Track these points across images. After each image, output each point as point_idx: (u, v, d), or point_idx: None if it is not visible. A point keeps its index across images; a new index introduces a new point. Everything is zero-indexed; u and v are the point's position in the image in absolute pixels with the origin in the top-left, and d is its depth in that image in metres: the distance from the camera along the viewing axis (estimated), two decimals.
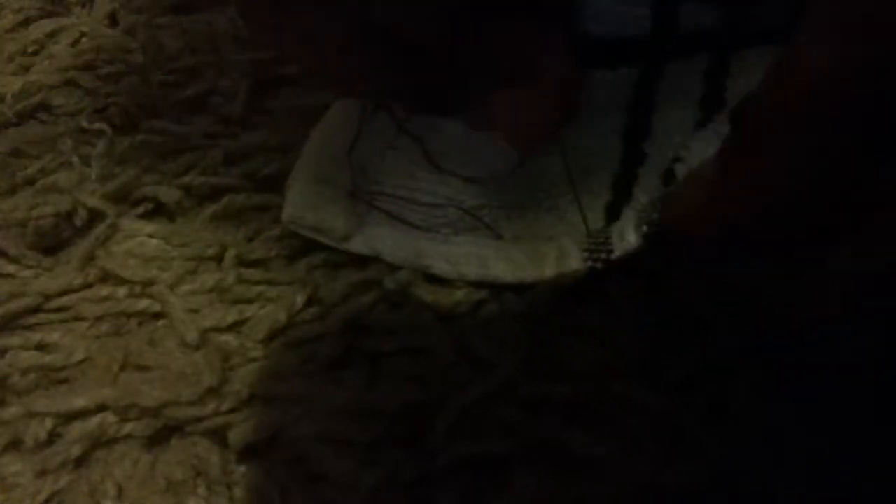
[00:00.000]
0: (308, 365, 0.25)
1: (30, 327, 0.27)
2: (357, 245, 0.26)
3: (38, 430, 0.24)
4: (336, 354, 0.25)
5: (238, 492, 0.23)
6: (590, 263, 0.24)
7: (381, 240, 0.26)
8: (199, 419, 0.24)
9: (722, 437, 0.22)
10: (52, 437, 0.24)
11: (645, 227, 0.23)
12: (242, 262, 0.28)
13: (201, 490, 0.23)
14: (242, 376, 0.25)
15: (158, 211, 0.30)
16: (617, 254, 0.24)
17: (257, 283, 0.27)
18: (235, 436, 0.23)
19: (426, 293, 0.26)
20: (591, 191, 0.26)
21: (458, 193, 0.26)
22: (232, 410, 0.24)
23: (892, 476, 0.20)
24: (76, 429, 0.24)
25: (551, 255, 0.25)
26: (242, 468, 0.23)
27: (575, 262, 0.24)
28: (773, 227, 0.18)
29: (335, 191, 0.27)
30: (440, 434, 0.22)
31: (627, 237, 0.23)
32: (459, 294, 0.26)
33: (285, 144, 0.31)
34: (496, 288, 0.26)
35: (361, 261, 0.27)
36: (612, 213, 0.26)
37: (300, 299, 0.26)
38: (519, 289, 0.25)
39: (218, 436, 0.24)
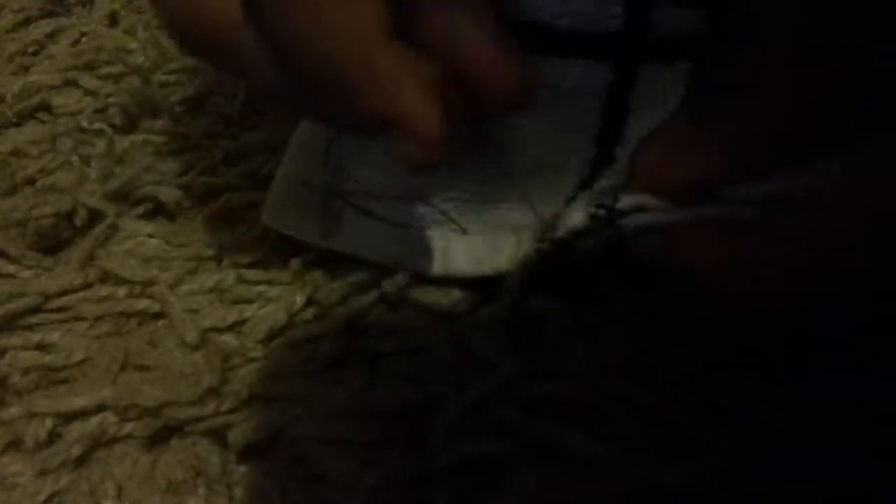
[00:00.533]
0: (308, 365, 0.25)
1: (30, 327, 0.27)
2: (337, 244, 0.27)
3: (38, 430, 0.24)
4: (336, 354, 0.25)
5: (238, 492, 0.23)
6: (536, 245, 0.23)
7: (358, 237, 0.26)
8: (199, 419, 0.24)
9: (720, 437, 0.22)
10: (52, 437, 0.24)
11: (593, 208, 0.22)
12: (242, 262, 0.28)
13: (201, 490, 0.23)
14: (242, 376, 0.25)
15: (158, 211, 0.30)
16: (559, 234, 0.22)
17: (257, 283, 0.27)
18: (235, 436, 0.23)
19: (425, 293, 0.26)
20: (557, 187, 0.26)
21: (429, 186, 0.26)
22: (232, 410, 0.24)
23: (891, 475, 0.20)
24: (76, 429, 0.24)
25: (509, 246, 0.25)
26: (242, 468, 0.23)
27: (526, 250, 0.24)
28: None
29: (311, 191, 0.27)
30: (440, 434, 0.22)
31: (573, 215, 0.22)
32: (458, 294, 0.26)
33: (285, 144, 0.31)
34: (487, 286, 0.26)
35: (361, 261, 0.27)
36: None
37: (300, 299, 0.26)
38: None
39: (218, 436, 0.24)
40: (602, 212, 0.21)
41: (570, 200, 0.25)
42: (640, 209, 0.20)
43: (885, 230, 0.16)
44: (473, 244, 0.25)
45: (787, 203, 0.17)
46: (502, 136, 0.26)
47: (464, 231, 0.26)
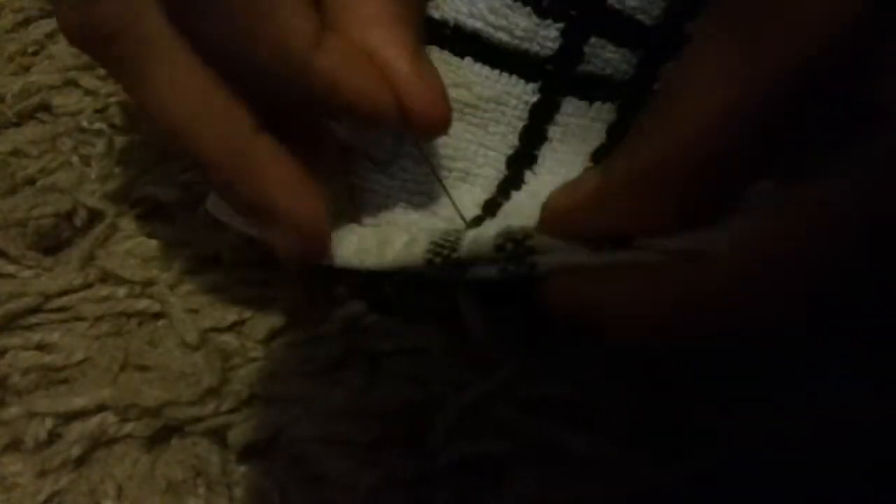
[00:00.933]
0: (308, 365, 0.25)
1: (30, 327, 0.27)
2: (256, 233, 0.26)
3: (38, 430, 0.24)
4: (335, 355, 0.25)
5: (238, 492, 0.23)
6: (428, 256, 0.23)
7: None
8: (199, 419, 0.24)
9: (721, 438, 0.22)
10: (52, 437, 0.24)
11: (501, 240, 0.21)
12: (242, 262, 0.28)
13: (201, 490, 0.23)
14: (242, 376, 0.25)
15: (158, 211, 0.30)
16: (461, 255, 0.22)
17: (257, 283, 0.27)
18: (235, 436, 0.23)
19: (425, 293, 0.26)
20: (461, 196, 0.26)
21: (355, 169, 0.26)
22: (232, 410, 0.24)
23: (891, 473, 0.20)
24: (76, 429, 0.24)
25: (398, 241, 0.24)
26: (242, 468, 0.23)
27: (418, 251, 0.23)
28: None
29: None
30: (440, 434, 0.23)
31: (480, 242, 0.22)
32: (457, 294, 0.26)
33: None
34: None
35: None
36: (474, 223, 0.25)
37: (300, 299, 0.26)
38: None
39: (218, 436, 0.24)
40: (511, 245, 0.21)
41: (475, 219, 0.25)
42: (549, 251, 0.20)
43: (787, 284, 0.16)
44: (364, 236, 0.25)
45: (692, 255, 0.18)
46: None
47: (358, 222, 0.26)
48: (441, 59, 0.25)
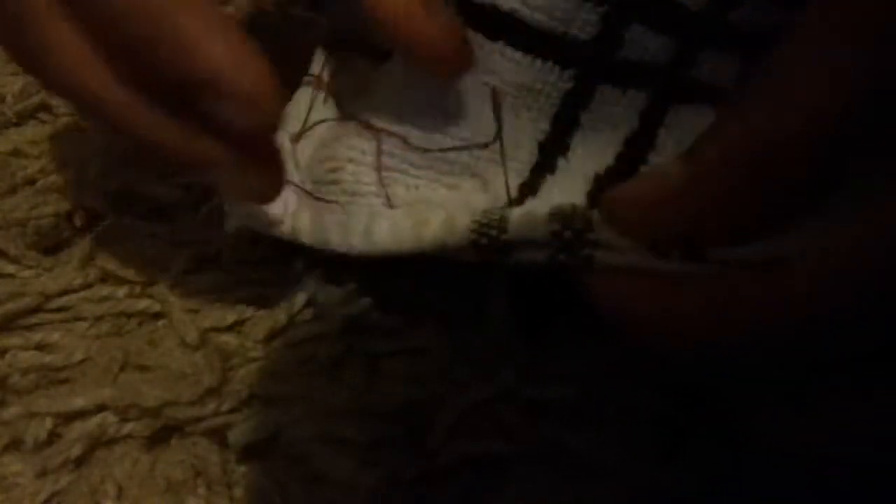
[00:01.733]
0: (308, 365, 0.25)
1: (30, 327, 0.27)
2: (284, 229, 0.26)
3: (38, 430, 0.24)
4: (336, 355, 0.25)
5: (238, 492, 0.23)
6: (473, 236, 0.21)
7: (299, 222, 0.25)
8: (199, 419, 0.24)
9: (721, 440, 0.22)
10: (52, 437, 0.24)
11: (558, 226, 0.20)
12: (242, 262, 0.28)
13: (201, 490, 0.23)
14: (242, 376, 0.25)
15: (158, 211, 0.30)
16: (511, 236, 0.21)
17: (257, 283, 0.27)
18: (235, 436, 0.23)
19: (425, 293, 0.26)
20: (492, 178, 0.25)
21: (373, 146, 0.25)
22: (232, 410, 0.24)
23: (891, 473, 0.20)
24: (76, 429, 0.24)
25: (435, 221, 0.23)
26: (242, 468, 0.23)
27: (459, 231, 0.22)
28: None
29: None
30: (440, 434, 0.23)
31: (533, 227, 0.20)
32: (458, 295, 0.26)
33: None
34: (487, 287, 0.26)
35: (361, 261, 0.27)
36: (516, 202, 0.24)
37: (300, 299, 0.26)
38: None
39: (218, 436, 0.24)
40: (569, 234, 0.20)
41: (511, 200, 0.24)
42: (612, 248, 0.19)
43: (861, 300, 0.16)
44: (396, 217, 0.24)
45: (762, 269, 0.17)
46: (455, 106, 0.25)
47: (390, 205, 0.25)
48: (474, 43, 0.24)
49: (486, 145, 0.24)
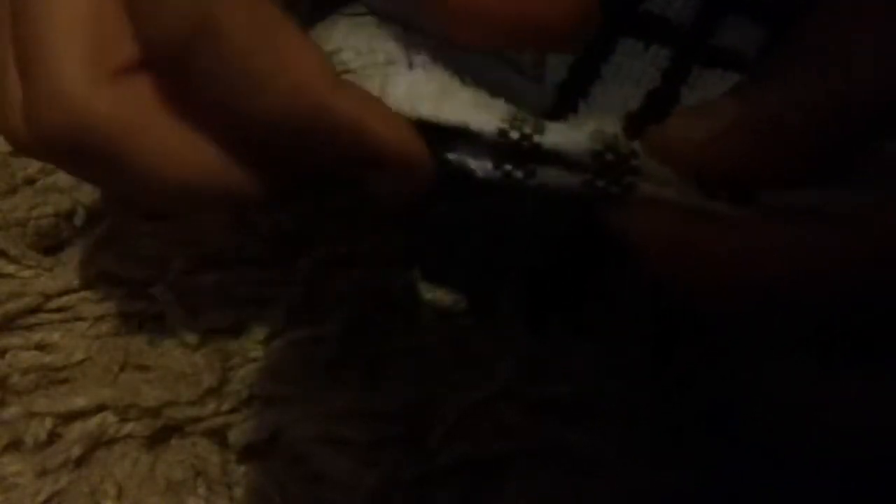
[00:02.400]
0: (308, 365, 0.25)
1: (30, 327, 0.27)
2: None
3: (38, 430, 0.24)
4: (336, 355, 0.25)
5: (238, 492, 0.23)
6: (504, 125, 0.18)
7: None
8: (199, 419, 0.24)
9: (720, 438, 0.22)
10: (52, 437, 0.24)
11: (600, 146, 0.18)
12: (242, 262, 0.28)
13: (201, 490, 0.23)
14: (242, 376, 0.25)
15: (158, 211, 0.30)
16: (544, 141, 0.18)
17: (257, 282, 0.27)
18: (235, 436, 0.24)
19: (425, 293, 0.26)
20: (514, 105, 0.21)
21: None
22: (232, 410, 0.24)
23: (891, 473, 0.20)
24: (76, 429, 0.24)
25: (462, 95, 0.20)
26: (242, 468, 0.23)
27: (490, 113, 0.19)
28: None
29: None
30: (440, 434, 0.23)
31: (573, 136, 0.18)
32: (459, 294, 0.26)
33: None
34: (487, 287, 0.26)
35: (360, 260, 0.27)
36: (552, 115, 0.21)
37: (300, 299, 0.26)
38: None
39: (218, 436, 0.24)
40: (611, 157, 0.18)
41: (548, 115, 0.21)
42: (657, 180, 0.18)
43: None
44: (418, 79, 0.21)
45: (822, 218, 0.16)
46: None
47: (410, 65, 0.21)
48: None
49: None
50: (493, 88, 0.22)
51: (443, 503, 0.22)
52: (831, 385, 0.18)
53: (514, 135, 0.18)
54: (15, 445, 0.24)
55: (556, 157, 0.18)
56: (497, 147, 0.19)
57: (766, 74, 0.17)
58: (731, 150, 0.17)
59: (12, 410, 0.24)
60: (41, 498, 0.23)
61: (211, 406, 0.24)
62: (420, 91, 0.20)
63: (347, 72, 0.21)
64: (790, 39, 0.17)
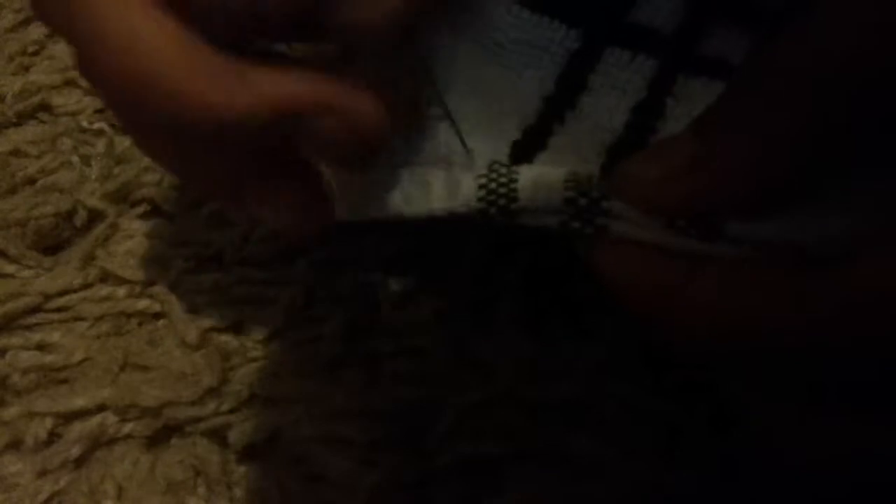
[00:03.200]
0: (308, 365, 0.25)
1: (30, 327, 0.27)
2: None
3: (38, 430, 0.24)
4: (336, 355, 0.25)
5: (238, 492, 0.23)
6: (481, 205, 0.20)
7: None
8: (199, 419, 0.24)
9: (721, 439, 0.22)
10: (52, 437, 0.24)
11: (572, 193, 0.19)
12: (242, 262, 0.28)
13: (201, 490, 0.23)
14: (242, 376, 0.25)
15: (158, 211, 0.30)
16: (521, 204, 0.20)
17: (257, 282, 0.27)
18: (235, 436, 0.23)
19: (425, 293, 0.26)
20: (491, 134, 0.23)
21: None
22: (232, 410, 0.24)
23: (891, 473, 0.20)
24: (76, 429, 0.24)
25: (436, 183, 0.21)
26: (242, 468, 0.23)
27: (467, 196, 0.20)
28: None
29: None
30: (440, 435, 0.23)
31: (546, 192, 0.19)
32: (459, 295, 0.26)
33: None
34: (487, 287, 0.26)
35: (361, 260, 0.27)
36: (521, 154, 0.22)
37: (300, 299, 0.26)
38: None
39: (218, 436, 0.24)
40: (584, 201, 0.19)
41: (518, 145, 0.22)
42: (627, 220, 0.19)
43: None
44: (400, 178, 0.22)
45: (788, 248, 0.16)
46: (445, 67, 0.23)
47: (392, 166, 0.23)
48: None
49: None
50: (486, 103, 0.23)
51: (443, 503, 0.22)
52: (816, 421, 0.18)
53: (493, 210, 0.20)
54: (15, 445, 0.24)
55: (534, 209, 0.20)
56: (482, 217, 0.20)
57: (722, 108, 0.17)
58: (686, 187, 0.17)
59: (12, 410, 0.24)
60: (41, 498, 0.23)
61: (211, 406, 0.24)
62: (408, 191, 0.21)
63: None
64: (743, 72, 0.17)
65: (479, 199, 0.20)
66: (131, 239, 0.29)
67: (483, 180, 0.21)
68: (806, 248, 0.16)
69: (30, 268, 0.28)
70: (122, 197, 0.30)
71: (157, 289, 0.27)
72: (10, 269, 0.28)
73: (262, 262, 0.28)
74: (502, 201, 0.20)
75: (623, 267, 0.18)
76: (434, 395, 0.23)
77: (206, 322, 0.26)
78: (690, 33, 0.24)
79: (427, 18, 0.23)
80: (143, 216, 0.30)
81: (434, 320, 0.25)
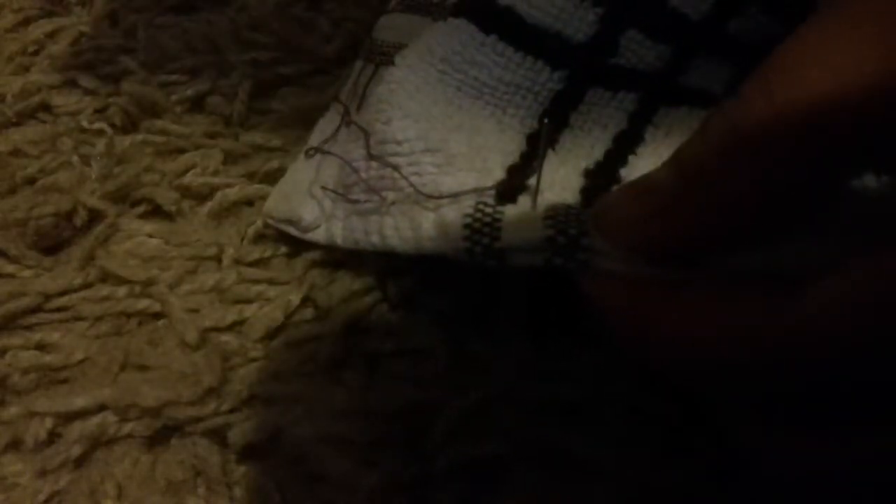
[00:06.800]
0: (308, 365, 0.25)
1: (30, 327, 0.27)
2: (317, 235, 0.26)
3: (38, 430, 0.24)
4: (336, 355, 0.25)
5: (238, 492, 0.23)
6: (467, 244, 0.21)
7: (333, 226, 0.26)
8: (199, 419, 0.24)
9: (718, 440, 0.22)
10: (52, 437, 0.24)
11: (552, 231, 0.20)
12: (242, 262, 0.28)
13: (201, 490, 0.23)
14: (242, 376, 0.25)
15: (158, 211, 0.30)
16: (504, 243, 0.20)
17: (257, 282, 0.27)
18: (235, 436, 0.23)
19: (426, 294, 0.26)
20: (481, 161, 0.24)
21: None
22: (232, 410, 0.24)
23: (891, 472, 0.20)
24: (76, 429, 0.24)
25: (426, 223, 0.22)
26: (242, 468, 0.23)
27: (453, 237, 0.21)
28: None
29: (302, 187, 0.27)
30: (439, 435, 0.22)
31: (526, 232, 0.20)
32: (459, 296, 0.26)
33: (285, 144, 0.31)
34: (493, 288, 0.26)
35: (361, 260, 0.27)
36: (504, 195, 0.23)
37: (299, 299, 0.26)
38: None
39: (218, 436, 0.24)
40: (563, 239, 0.20)
41: (502, 186, 0.23)
42: (607, 255, 0.19)
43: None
44: (398, 220, 0.23)
45: (766, 282, 0.16)
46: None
47: (387, 208, 0.24)
48: (468, 33, 0.24)
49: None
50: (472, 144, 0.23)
51: (442, 503, 0.22)
52: (794, 440, 0.18)
53: (478, 249, 0.21)
54: (15, 445, 0.24)
55: (518, 249, 0.20)
56: (468, 256, 0.21)
57: (695, 137, 0.17)
58: (665, 223, 0.17)
59: (12, 410, 0.24)
60: (41, 498, 0.23)
61: (211, 406, 0.24)
62: (402, 230, 0.23)
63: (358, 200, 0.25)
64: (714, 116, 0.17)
65: (465, 238, 0.21)
66: (131, 239, 0.29)
67: (468, 220, 0.21)
68: (773, 272, 0.17)
69: (30, 268, 0.28)
70: (122, 197, 0.30)
71: (157, 289, 0.27)
72: (10, 269, 0.28)
73: (262, 261, 0.28)
74: (486, 240, 0.21)
75: (604, 295, 0.19)
76: (434, 395, 0.23)
77: (206, 322, 0.26)
78: (673, 69, 0.25)
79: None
80: (143, 216, 0.30)
81: (434, 320, 0.25)
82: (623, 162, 0.24)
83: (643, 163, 0.24)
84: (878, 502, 0.18)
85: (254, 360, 0.25)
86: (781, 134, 0.15)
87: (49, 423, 0.24)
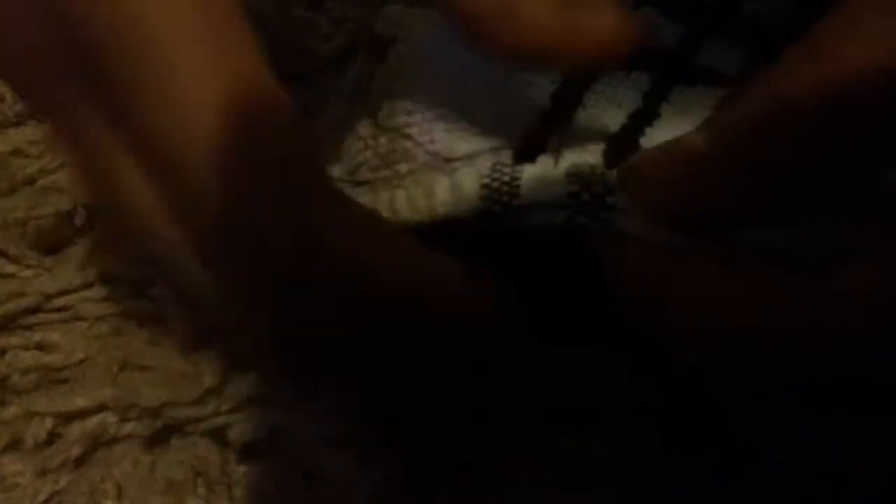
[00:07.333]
0: None
1: (30, 327, 0.27)
2: None
3: (38, 430, 0.24)
4: None
5: (238, 492, 0.23)
6: (483, 204, 0.20)
7: None
8: (199, 419, 0.24)
9: (721, 440, 0.22)
10: (52, 437, 0.24)
11: (576, 187, 0.19)
12: None
13: (201, 490, 0.23)
14: (242, 376, 0.25)
15: None
16: (524, 201, 0.20)
17: None
18: (235, 436, 0.23)
19: None
20: (501, 127, 0.23)
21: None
22: (232, 410, 0.24)
23: (891, 471, 0.20)
24: (76, 429, 0.24)
25: (441, 189, 0.21)
26: (242, 468, 0.23)
27: (469, 197, 0.20)
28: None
29: None
30: (440, 436, 0.22)
31: (548, 186, 0.19)
32: None
33: None
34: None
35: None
36: (523, 154, 0.22)
37: None
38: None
39: (218, 436, 0.24)
40: (587, 196, 0.19)
41: (522, 152, 0.22)
42: (632, 216, 0.18)
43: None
44: (410, 190, 0.23)
45: (795, 262, 0.16)
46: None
47: (399, 180, 0.23)
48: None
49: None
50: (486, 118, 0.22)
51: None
52: (814, 429, 0.18)
53: (497, 208, 0.20)
54: (15, 445, 0.24)
55: (537, 206, 0.19)
56: (484, 217, 0.20)
57: (735, 101, 0.17)
58: (695, 187, 0.17)
59: (12, 410, 0.24)
60: (41, 498, 0.23)
61: (211, 406, 0.24)
62: (415, 200, 0.21)
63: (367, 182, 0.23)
64: (755, 80, 0.16)
65: (482, 199, 0.20)
66: (131, 239, 0.29)
67: (486, 180, 0.21)
68: (794, 253, 0.17)
69: (30, 268, 0.28)
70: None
71: (157, 289, 0.27)
72: (10, 269, 0.28)
73: None
74: (505, 198, 0.20)
75: (621, 255, 0.18)
76: (434, 395, 0.23)
77: (206, 322, 0.26)
78: (687, 49, 0.25)
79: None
80: None
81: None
82: (641, 132, 0.24)
83: (661, 134, 0.24)
84: (881, 494, 0.18)
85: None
86: (824, 104, 0.15)
87: (49, 423, 0.24)
